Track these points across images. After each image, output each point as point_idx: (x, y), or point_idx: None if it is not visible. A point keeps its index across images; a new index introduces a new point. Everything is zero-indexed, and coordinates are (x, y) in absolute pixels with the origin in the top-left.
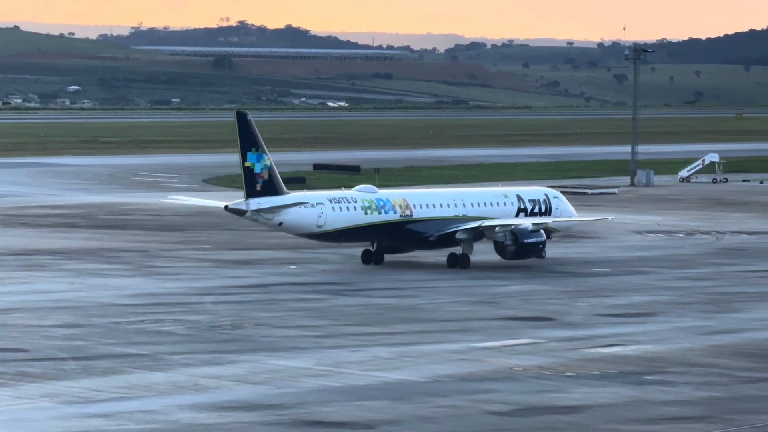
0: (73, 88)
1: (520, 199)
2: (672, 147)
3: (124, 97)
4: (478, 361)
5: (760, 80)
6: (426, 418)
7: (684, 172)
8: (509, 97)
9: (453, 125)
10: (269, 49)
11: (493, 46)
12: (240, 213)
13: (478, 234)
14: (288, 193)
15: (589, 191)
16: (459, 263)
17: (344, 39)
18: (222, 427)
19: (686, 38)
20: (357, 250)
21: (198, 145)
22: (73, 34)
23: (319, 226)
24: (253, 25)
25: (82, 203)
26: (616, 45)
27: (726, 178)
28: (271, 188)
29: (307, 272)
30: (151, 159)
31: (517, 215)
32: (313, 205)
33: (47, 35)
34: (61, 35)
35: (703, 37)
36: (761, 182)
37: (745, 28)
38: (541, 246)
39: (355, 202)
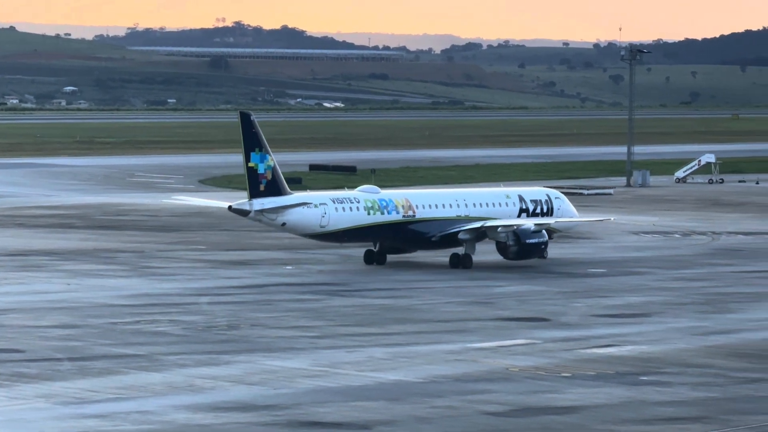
0: (69, 88)
1: (522, 199)
2: (668, 147)
3: (120, 97)
4: (473, 361)
5: (756, 81)
6: (422, 418)
7: (680, 173)
8: (505, 98)
9: (449, 126)
10: (265, 50)
11: (489, 46)
12: (243, 213)
13: (481, 234)
14: (291, 194)
15: (585, 192)
16: (461, 263)
17: (340, 39)
18: (218, 427)
19: (682, 39)
20: (352, 250)
21: (194, 145)
22: (69, 34)
23: (322, 227)
24: (249, 25)
25: (78, 204)
26: (612, 45)
27: (722, 179)
28: (274, 188)
29: (303, 273)
30: (147, 159)
31: (519, 216)
32: (316, 206)
33: (43, 36)
34: (57, 36)
35: (699, 38)
36: (757, 183)
37: (741, 29)
38: (543, 246)
39: (358, 202)
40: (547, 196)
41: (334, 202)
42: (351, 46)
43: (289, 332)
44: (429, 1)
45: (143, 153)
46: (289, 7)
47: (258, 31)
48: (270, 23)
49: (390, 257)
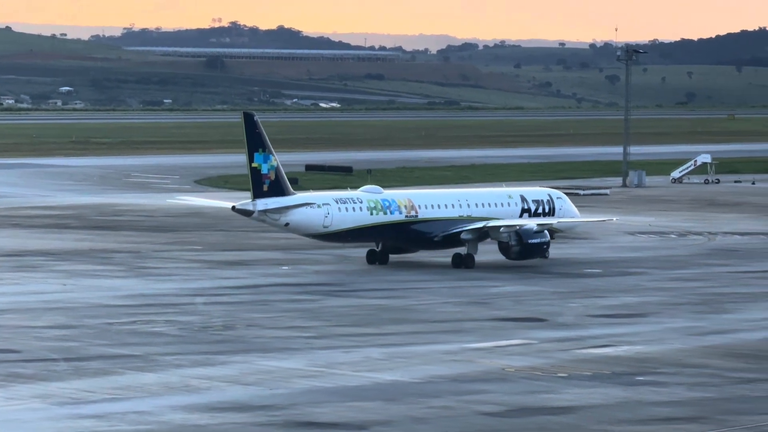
0: (65, 88)
1: (524, 199)
2: (664, 148)
3: (116, 97)
4: (470, 361)
5: (752, 81)
6: (418, 418)
7: (676, 173)
8: (501, 98)
9: (445, 126)
10: (261, 50)
11: (485, 46)
12: (247, 213)
13: (483, 234)
14: (294, 194)
15: (581, 192)
16: (464, 263)
17: (336, 40)
18: (214, 427)
19: (678, 39)
20: (350, 251)
21: (190, 145)
22: (65, 34)
23: (325, 227)
24: (245, 25)
25: (74, 204)
26: (608, 46)
27: (718, 179)
28: (277, 189)
29: (299, 273)
30: (143, 160)
31: (521, 216)
32: (319, 206)
33: (39, 36)
34: (53, 36)
35: (695, 38)
36: (753, 183)
37: (736, 29)
38: (545, 246)
39: (361, 202)
40: (549, 196)
41: (337, 202)
42: (347, 46)
43: (285, 332)
44: (425, 2)
45: (139, 153)
46: (285, 8)
47: (254, 31)
48: (266, 23)
49: (392, 257)
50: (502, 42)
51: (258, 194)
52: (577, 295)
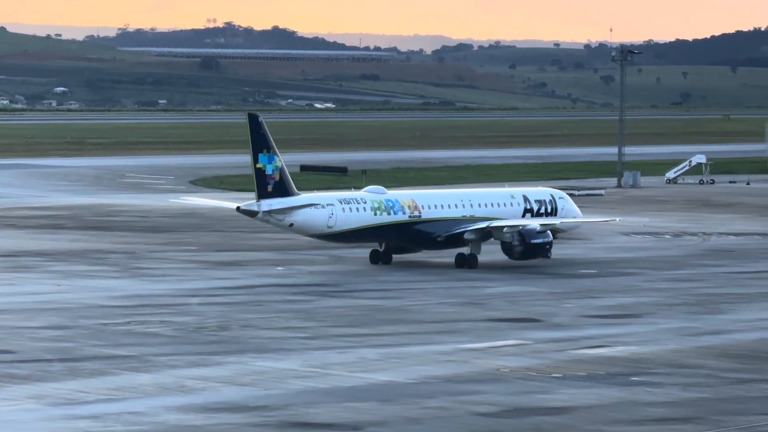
0: (59, 89)
1: (526, 199)
2: (659, 148)
3: (110, 98)
4: (464, 362)
5: (746, 81)
6: (412, 419)
7: (671, 174)
8: (496, 99)
9: (440, 126)
10: (256, 51)
11: (480, 47)
12: (252, 214)
13: (486, 234)
14: (299, 195)
15: (576, 193)
16: (467, 263)
17: (331, 40)
18: (209, 428)
19: (673, 39)
20: (347, 251)
21: (185, 146)
22: (60, 35)
23: (329, 227)
24: (239, 26)
25: (69, 204)
26: (602, 46)
27: (713, 180)
28: (282, 189)
29: (293, 274)
30: (137, 160)
31: (523, 216)
32: (323, 206)
33: (34, 36)
34: (48, 36)
35: (690, 39)
36: (748, 183)
37: (731, 30)
38: (547, 246)
39: (365, 203)
40: (551, 196)
41: (341, 202)
42: (342, 46)
43: (280, 333)
44: (420, 2)
45: (134, 154)
46: (280, 8)
47: (249, 31)
48: (261, 24)
49: (395, 257)
50: (497, 42)
51: (262, 195)
52: (572, 296)
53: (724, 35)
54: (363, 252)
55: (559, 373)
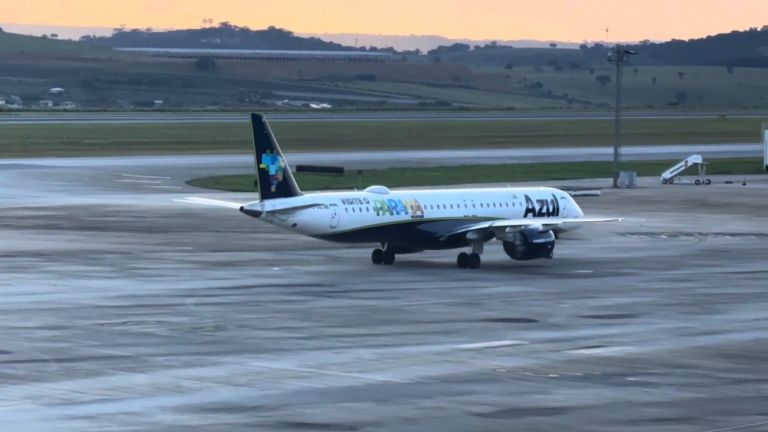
0: (55, 89)
1: (528, 199)
2: (655, 148)
3: (107, 98)
4: (461, 362)
5: (742, 82)
6: (409, 419)
7: (667, 174)
8: (492, 99)
9: (436, 127)
10: (252, 51)
11: (476, 47)
12: (255, 214)
13: (489, 234)
14: (302, 195)
15: (572, 193)
16: (469, 263)
17: (327, 40)
18: (205, 428)
19: (669, 40)
20: (344, 251)
21: (181, 146)
22: (56, 35)
23: (332, 227)
24: (236, 26)
25: (65, 205)
26: (599, 46)
27: (709, 180)
28: (285, 190)
29: (290, 274)
30: (134, 160)
31: (525, 215)
32: (326, 207)
33: (30, 36)
34: (44, 36)
35: (686, 39)
36: (744, 184)
37: (727, 30)
38: (549, 246)
39: (368, 203)
40: (553, 195)
41: (344, 203)
42: (338, 47)
43: (276, 333)
44: (416, 2)
45: (130, 154)
46: (276, 8)
47: (245, 32)
48: (257, 24)
49: (398, 257)
50: (493, 43)
51: (266, 195)
52: (568, 296)
53: (720, 35)
54: (359, 252)
55: (556, 373)
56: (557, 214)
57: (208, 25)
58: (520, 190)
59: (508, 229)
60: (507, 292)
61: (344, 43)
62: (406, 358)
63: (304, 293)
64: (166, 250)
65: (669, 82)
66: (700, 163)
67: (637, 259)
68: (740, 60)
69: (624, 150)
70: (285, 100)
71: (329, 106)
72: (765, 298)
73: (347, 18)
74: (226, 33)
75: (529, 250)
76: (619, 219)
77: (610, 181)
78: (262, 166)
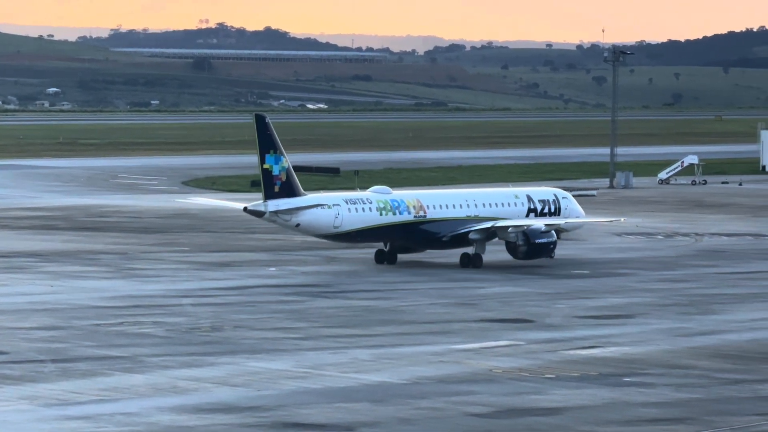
0: (52, 90)
1: (530, 199)
2: (651, 149)
3: (103, 99)
4: (457, 363)
5: (738, 82)
6: (405, 420)
7: (663, 174)
8: (488, 99)
9: (432, 127)
10: (248, 51)
11: (473, 48)
12: (258, 214)
13: (491, 234)
14: (305, 195)
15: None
16: (472, 263)
17: (323, 41)
18: (202, 429)
19: (665, 40)
20: (342, 251)
21: (177, 147)
22: (53, 36)
23: (335, 227)
24: (232, 27)
25: (62, 205)
26: (595, 47)
27: (705, 180)
28: (288, 190)
29: (286, 274)
30: (130, 161)
31: (527, 215)
32: (329, 207)
33: (26, 37)
34: (41, 37)
35: (682, 39)
36: (740, 184)
37: (724, 30)
38: (551, 246)
39: (371, 203)
40: (555, 195)
41: (347, 203)
42: (334, 47)
43: (273, 334)
44: (412, 3)
45: (126, 154)
46: (272, 9)
47: (241, 32)
48: (253, 24)
49: (401, 257)
50: (490, 43)
51: (269, 195)
52: (565, 296)
53: (716, 36)
54: (356, 252)
55: (552, 373)
56: (559, 214)
57: (204, 26)
58: (522, 190)
59: (510, 229)
60: (503, 292)
61: (340, 44)
62: (403, 359)
63: (300, 294)
64: (163, 251)
65: (665, 82)
66: (697, 164)
67: (633, 259)
68: (736, 60)
69: (620, 150)
70: (281, 101)
71: (325, 106)
72: (761, 299)
73: (343, 18)
74: (222, 33)
75: (532, 250)
76: (622, 219)
77: (606, 181)
78: (265, 166)
